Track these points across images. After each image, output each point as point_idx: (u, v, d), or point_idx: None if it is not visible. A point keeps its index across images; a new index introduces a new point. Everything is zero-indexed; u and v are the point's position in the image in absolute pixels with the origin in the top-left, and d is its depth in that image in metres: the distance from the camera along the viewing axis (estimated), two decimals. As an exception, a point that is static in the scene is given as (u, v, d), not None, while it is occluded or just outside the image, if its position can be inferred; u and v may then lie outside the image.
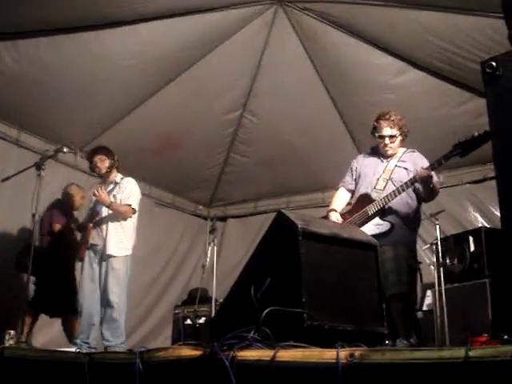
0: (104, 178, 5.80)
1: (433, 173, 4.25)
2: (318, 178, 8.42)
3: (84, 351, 4.49)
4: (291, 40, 6.69)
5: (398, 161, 4.60)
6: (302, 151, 8.07)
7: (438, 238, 5.91)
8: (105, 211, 5.59)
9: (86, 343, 5.25)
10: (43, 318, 6.32)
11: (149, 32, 6.22)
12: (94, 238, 5.59)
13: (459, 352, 2.05)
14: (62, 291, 6.09)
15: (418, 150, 4.70)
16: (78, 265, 6.16)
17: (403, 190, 4.32)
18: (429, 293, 6.50)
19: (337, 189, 4.98)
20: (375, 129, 4.64)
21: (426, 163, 4.44)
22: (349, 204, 4.84)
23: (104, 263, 5.46)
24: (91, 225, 5.60)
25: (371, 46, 6.47)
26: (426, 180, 4.24)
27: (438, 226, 5.94)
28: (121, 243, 5.54)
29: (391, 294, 4.08)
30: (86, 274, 5.50)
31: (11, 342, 4.65)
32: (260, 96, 7.51)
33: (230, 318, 3.26)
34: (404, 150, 4.68)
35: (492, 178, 7.24)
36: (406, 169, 4.51)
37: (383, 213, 4.39)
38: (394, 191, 4.34)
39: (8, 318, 5.39)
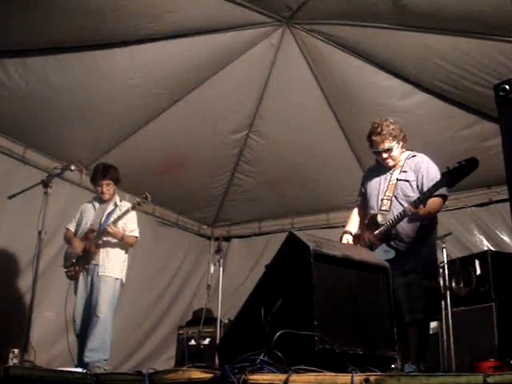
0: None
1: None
2: (323, 199, 8.42)
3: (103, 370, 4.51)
4: (298, 61, 6.70)
5: (400, 172, 4.48)
6: (307, 172, 8.07)
7: (445, 262, 5.87)
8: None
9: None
10: (48, 337, 6.31)
11: (156, 52, 6.24)
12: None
13: (477, 378, 2.03)
14: None
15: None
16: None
17: (400, 220, 4.21)
18: (434, 316, 6.46)
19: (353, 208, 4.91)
20: (370, 145, 4.55)
21: (425, 166, 4.39)
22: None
23: (95, 279, 5.48)
24: (94, 250, 5.58)
25: (377, 68, 6.48)
26: (415, 214, 4.16)
27: (444, 250, 5.90)
28: (119, 266, 5.62)
29: (406, 321, 4.01)
30: (81, 294, 5.52)
31: (15, 360, 4.61)
32: (266, 117, 7.52)
33: (239, 340, 3.23)
34: (406, 155, 4.55)
35: (497, 202, 7.25)
36: (407, 181, 4.39)
37: (389, 238, 4.29)
38: (393, 219, 4.23)
39: (11, 336, 5.35)
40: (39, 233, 4.88)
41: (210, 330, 6.95)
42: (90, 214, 5.84)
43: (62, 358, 6.23)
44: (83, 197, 7.28)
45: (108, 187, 5.80)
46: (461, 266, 6.30)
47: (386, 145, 4.42)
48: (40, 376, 3.15)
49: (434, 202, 4.22)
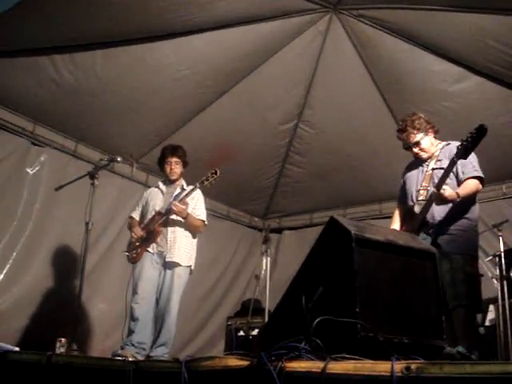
0: (169, 181, 5.76)
1: (446, 188, 4.08)
2: (375, 189, 8.25)
3: (140, 357, 4.50)
4: (346, 48, 6.57)
5: (436, 161, 4.48)
6: (358, 162, 7.92)
7: (502, 250, 5.65)
8: (173, 216, 5.46)
9: (144, 349, 5.17)
10: (102, 328, 6.39)
11: (202, 43, 6.23)
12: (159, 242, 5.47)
13: (524, 366, 1.90)
14: None
15: (479, 158, 4.43)
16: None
17: (429, 205, 4.19)
18: (491, 307, 6.21)
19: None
20: (402, 144, 4.62)
21: None
22: None
23: (168, 270, 5.38)
24: (158, 228, 5.44)
25: (428, 51, 6.27)
26: (442, 200, 4.11)
27: (501, 238, 5.69)
28: (188, 253, 5.49)
29: (451, 307, 3.94)
30: (148, 277, 5.36)
31: (62, 349, 4.67)
32: (315, 106, 7.41)
33: (281, 328, 3.17)
34: (441, 145, 4.55)
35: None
36: (442, 168, 4.31)
37: (426, 226, 4.25)
38: (424, 206, 4.23)
39: (63, 327, 5.42)
40: (86, 224, 4.93)
41: (258, 320, 6.91)
42: (157, 199, 5.66)
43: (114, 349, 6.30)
44: (134, 190, 7.39)
45: (177, 165, 5.65)
46: (518, 254, 6.07)
47: (413, 139, 4.49)
48: (80, 363, 3.18)
49: (466, 183, 4.25)
